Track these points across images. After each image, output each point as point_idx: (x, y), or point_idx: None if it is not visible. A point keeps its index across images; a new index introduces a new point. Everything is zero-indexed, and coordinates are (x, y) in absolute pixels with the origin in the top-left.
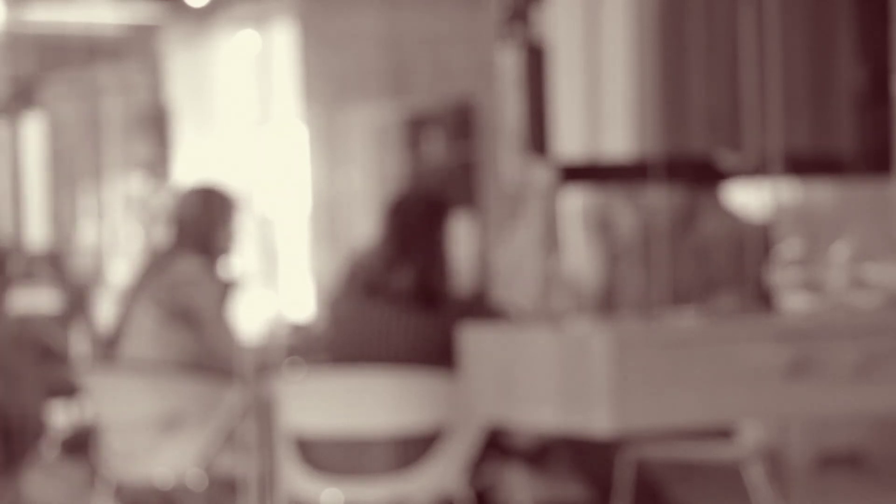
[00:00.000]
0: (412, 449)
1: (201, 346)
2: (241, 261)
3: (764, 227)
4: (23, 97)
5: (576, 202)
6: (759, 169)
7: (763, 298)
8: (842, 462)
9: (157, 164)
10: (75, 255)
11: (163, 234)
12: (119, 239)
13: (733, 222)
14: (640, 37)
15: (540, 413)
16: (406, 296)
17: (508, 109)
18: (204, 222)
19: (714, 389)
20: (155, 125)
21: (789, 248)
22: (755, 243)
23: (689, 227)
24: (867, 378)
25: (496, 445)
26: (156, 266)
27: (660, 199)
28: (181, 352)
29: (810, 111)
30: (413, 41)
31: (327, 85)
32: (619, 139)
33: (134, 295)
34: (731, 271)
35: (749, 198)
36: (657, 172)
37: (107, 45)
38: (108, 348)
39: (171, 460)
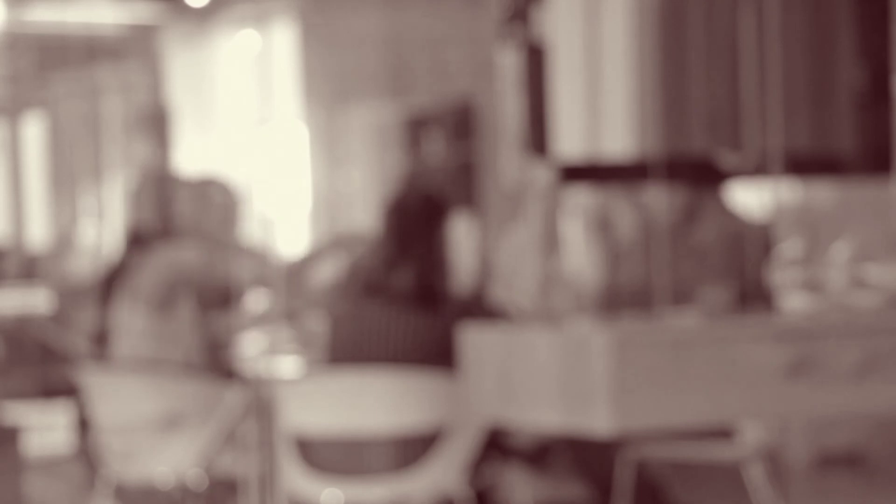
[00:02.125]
0: (412, 449)
1: (195, 336)
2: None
3: (764, 227)
4: (23, 97)
5: (576, 202)
6: (759, 169)
7: (763, 298)
8: (841, 462)
9: (157, 164)
10: (75, 255)
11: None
12: (119, 239)
13: (734, 222)
14: (640, 37)
15: (540, 413)
16: (406, 296)
17: (508, 109)
18: (202, 219)
19: (714, 389)
20: (155, 125)
21: (789, 248)
22: (755, 243)
23: (689, 226)
24: (867, 378)
25: (496, 445)
26: (137, 263)
27: (660, 198)
28: (175, 346)
29: (810, 111)
30: (413, 41)
31: (327, 85)
32: (619, 139)
33: (119, 293)
34: (730, 271)
35: (749, 198)
36: (657, 172)
37: (107, 45)
38: (98, 347)
39: (171, 460)
